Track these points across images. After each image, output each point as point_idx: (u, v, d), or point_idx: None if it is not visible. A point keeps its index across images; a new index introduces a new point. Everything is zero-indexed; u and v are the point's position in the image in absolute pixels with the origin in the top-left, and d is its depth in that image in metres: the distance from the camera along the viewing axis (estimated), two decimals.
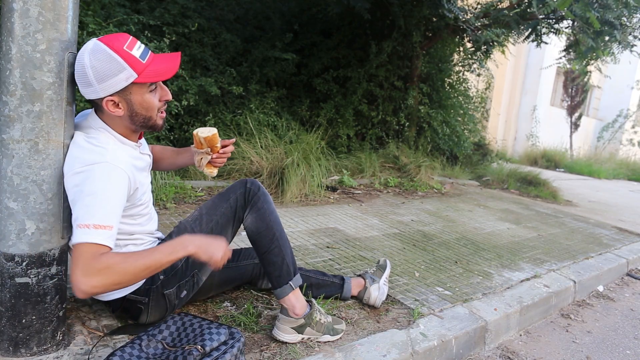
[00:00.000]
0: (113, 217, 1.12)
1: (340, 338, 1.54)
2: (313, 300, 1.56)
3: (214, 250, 1.20)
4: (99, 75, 1.15)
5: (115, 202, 1.15)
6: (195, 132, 1.42)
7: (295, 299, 1.50)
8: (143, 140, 1.42)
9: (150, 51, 1.24)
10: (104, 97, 1.19)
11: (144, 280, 1.38)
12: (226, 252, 1.23)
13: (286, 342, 1.47)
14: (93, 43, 1.16)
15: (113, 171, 1.16)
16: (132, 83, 1.19)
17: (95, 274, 1.05)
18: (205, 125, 4.23)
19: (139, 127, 1.29)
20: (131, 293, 1.38)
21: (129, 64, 1.16)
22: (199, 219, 1.48)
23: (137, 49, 1.19)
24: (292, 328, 1.47)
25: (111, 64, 1.14)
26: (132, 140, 1.32)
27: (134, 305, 1.41)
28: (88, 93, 1.18)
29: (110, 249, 1.11)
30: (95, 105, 1.25)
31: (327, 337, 1.51)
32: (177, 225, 1.50)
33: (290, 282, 1.50)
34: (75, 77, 1.18)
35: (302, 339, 1.49)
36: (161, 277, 1.40)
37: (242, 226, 1.56)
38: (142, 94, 1.23)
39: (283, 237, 1.53)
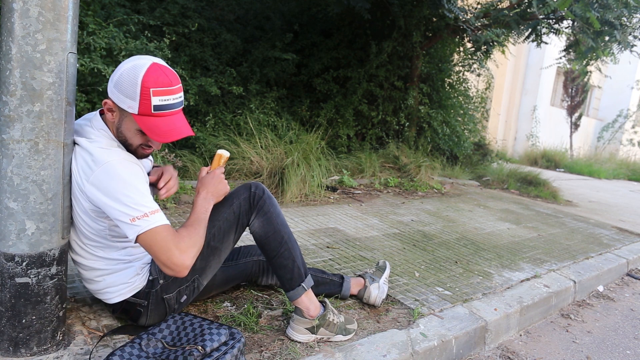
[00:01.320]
0: (154, 201, 1.23)
1: (351, 338, 1.55)
2: (326, 300, 1.57)
3: (222, 189, 1.43)
4: (119, 85, 1.20)
5: (147, 189, 1.24)
6: (221, 152, 1.51)
7: (308, 301, 1.51)
8: None
9: (175, 109, 1.24)
10: (109, 98, 1.24)
11: (144, 284, 1.39)
12: (225, 184, 1.45)
13: (301, 342, 1.48)
14: (145, 61, 1.20)
15: (129, 164, 1.23)
16: (130, 113, 1.22)
17: (190, 247, 1.22)
18: (205, 126, 4.25)
19: (121, 142, 1.30)
20: (132, 296, 1.39)
21: (139, 101, 1.18)
22: None
23: (163, 100, 1.20)
24: (306, 329, 1.49)
25: (130, 87, 1.18)
26: None
27: (134, 308, 1.41)
28: (109, 85, 1.25)
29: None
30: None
31: (340, 337, 1.53)
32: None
33: (302, 284, 1.50)
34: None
35: (316, 339, 1.50)
36: (161, 281, 1.40)
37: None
38: (132, 126, 1.26)
39: (292, 240, 1.53)
